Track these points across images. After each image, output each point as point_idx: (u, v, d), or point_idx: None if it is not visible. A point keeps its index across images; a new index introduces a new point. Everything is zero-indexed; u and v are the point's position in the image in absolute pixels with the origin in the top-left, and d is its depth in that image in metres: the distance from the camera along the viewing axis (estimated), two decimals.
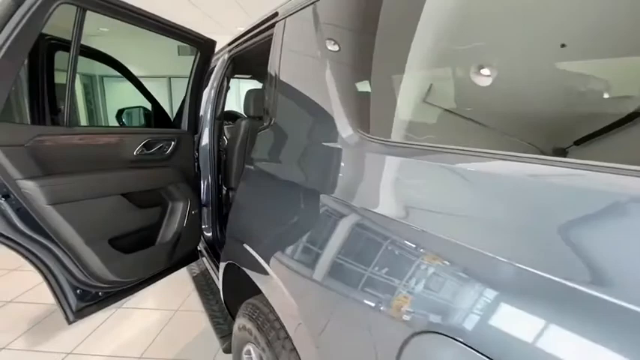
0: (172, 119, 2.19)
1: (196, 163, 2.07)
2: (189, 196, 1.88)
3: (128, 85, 2.02)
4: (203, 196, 2.15)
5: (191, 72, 1.91)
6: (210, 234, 2.19)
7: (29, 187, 1.18)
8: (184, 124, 1.93)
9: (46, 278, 1.40)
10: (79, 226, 1.34)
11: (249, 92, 2.02)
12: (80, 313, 1.52)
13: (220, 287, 1.45)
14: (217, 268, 1.99)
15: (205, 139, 2.08)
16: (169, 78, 7.82)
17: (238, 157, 2.21)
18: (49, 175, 1.25)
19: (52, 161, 1.26)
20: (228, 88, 2.10)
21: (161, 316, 2.18)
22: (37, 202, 1.21)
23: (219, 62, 2.14)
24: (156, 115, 2.28)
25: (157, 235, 1.77)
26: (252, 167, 1.27)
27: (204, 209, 2.16)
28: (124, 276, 1.57)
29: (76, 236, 1.34)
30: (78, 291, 1.49)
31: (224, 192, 2.29)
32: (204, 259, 2.27)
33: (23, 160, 1.16)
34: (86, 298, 1.54)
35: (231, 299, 1.52)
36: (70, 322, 1.48)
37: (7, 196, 1.16)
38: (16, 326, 2.08)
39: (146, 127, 1.97)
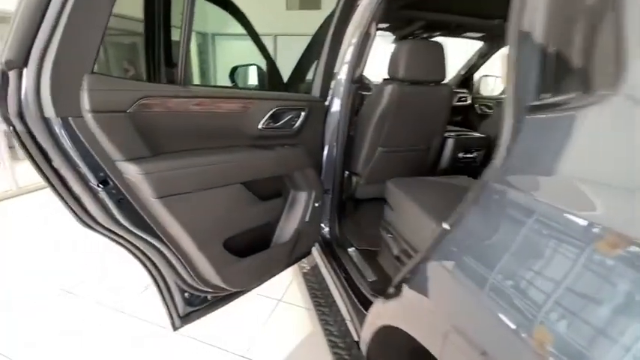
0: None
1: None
2: (315, 184, 1.45)
3: (238, 45, 1.62)
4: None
5: (331, 17, 1.39)
6: (327, 228, 1.77)
7: (133, 172, 0.84)
8: (316, 88, 1.46)
9: (153, 278, 1.13)
10: (191, 226, 1.00)
11: (405, 45, 1.44)
12: (187, 319, 1.25)
13: (364, 350, 0.98)
14: (335, 272, 1.58)
15: (335, 109, 1.59)
16: (275, 36, 7.51)
17: (374, 135, 1.68)
18: (158, 156, 0.90)
19: (161, 135, 0.91)
20: (373, 38, 1.53)
21: (263, 306, 1.90)
22: (143, 193, 0.88)
23: (363, 2, 1.57)
24: (271, 77, 1.88)
25: (274, 232, 1.40)
26: (518, 194, 0.56)
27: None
28: (236, 284, 1.24)
29: (187, 238, 1.01)
30: (186, 294, 1.22)
31: (345, 176, 1.81)
32: (314, 252, 1.87)
33: (124, 131, 0.82)
34: (194, 303, 1.26)
35: None
36: (175, 329, 1.22)
37: (105, 183, 0.85)
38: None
39: (272, 91, 1.56)
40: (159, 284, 1.15)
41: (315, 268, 1.99)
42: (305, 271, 2.01)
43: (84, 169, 0.81)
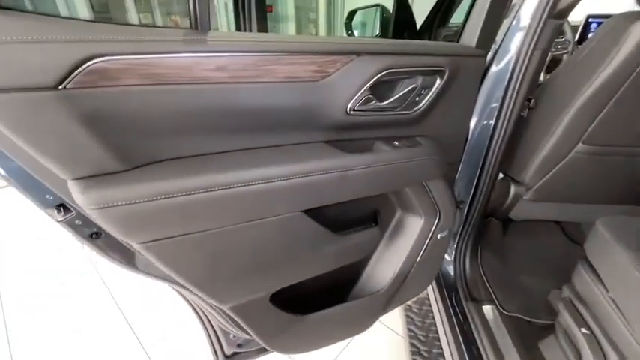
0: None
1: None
2: (444, 205, 0.86)
3: None
4: (457, 191, 1.06)
5: None
6: (451, 263, 1.16)
7: (82, 202, 0.45)
8: (469, 34, 0.80)
9: (194, 309, 0.82)
10: (210, 280, 0.59)
11: None
12: (234, 359, 0.93)
13: None
14: (456, 340, 1.00)
15: (500, 68, 0.88)
16: None
17: (575, 120, 0.94)
18: (138, 170, 0.49)
19: (145, 130, 0.49)
20: None
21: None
22: (116, 234, 0.49)
23: None
24: (397, 24, 1.27)
25: (359, 276, 0.90)
26: None
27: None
28: (293, 349, 0.83)
29: (206, 297, 0.61)
30: (232, 335, 0.88)
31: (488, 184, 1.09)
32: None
33: (56, 125, 0.41)
34: (241, 345, 0.92)
35: None
36: None
37: (63, 208, 0.49)
38: None
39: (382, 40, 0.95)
40: (200, 316, 0.84)
41: (422, 302, 1.42)
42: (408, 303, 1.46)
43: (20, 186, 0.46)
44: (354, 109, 0.64)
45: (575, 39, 1.82)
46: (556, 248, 1.31)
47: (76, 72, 0.40)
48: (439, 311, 1.09)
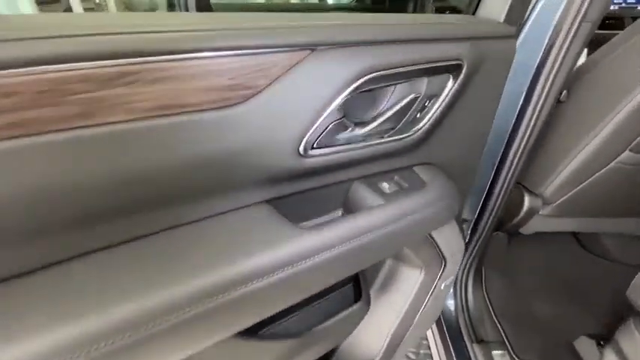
0: None
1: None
2: (452, 251, 0.61)
3: None
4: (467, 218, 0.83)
5: None
6: (451, 298, 0.94)
7: None
8: (491, 3, 0.51)
9: None
10: None
11: None
12: None
13: None
14: None
15: (530, 54, 0.61)
16: None
17: (627, 122, 0.68)
18: None
19: None
20: None
21: None
22: None
23: None
24: None
25: (338, 347, 0.67)
26: None
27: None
28: None
29: None
30: None
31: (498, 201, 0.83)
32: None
33: None
34: None
35: None
36: None
37: None
38: None
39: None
40: None
41: (419, 345, 1.21)
42: None
43: None
44: (313, 147, 0.37)
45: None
46: (572, 263, 1.12)
47: None
48: (439, 358, 0.89)
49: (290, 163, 0.36)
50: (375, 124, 0.41)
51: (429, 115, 0.45)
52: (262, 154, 0.34)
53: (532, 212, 0.91)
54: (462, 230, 0.68)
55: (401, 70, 0.38)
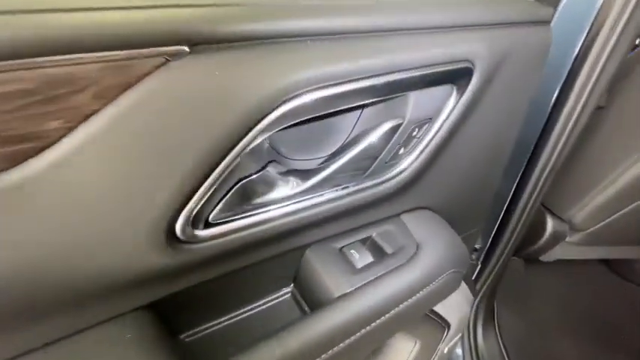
0: None
1: None
2: (456, 314, 0.46)
3: None
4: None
5: None
6: (465, 348, 0.79)
7: None
8: None
9: None
10: None
11: None
12: None
13: None
14: None
15: (567, 46, 0.44)
16: None
17: None
18: None
19: None
20: None
21: None
22: None
23: None
24: None
25: None
26: None
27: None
28: None
29: None
30: None
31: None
32: None
33: None
34: None
35: None
36: None
37: None
38: None
39: None
40: None
41: None
42: None
43: None
44: (207, 222, 0.21)
45: None
46: (599, 291, 0.95)
47: None
48: None
49: (156, 262, 0.21)
50: (330, 169, 0.26)
51: (420, 149, 0.29)
52: (85, 254, 0.19)
53: (557, 239, 0.74)
54: (470, 285, 0.52)
55: (361, 84, 0.22)
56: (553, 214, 0.74)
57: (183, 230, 0.20)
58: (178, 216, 0.20)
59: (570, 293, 0.94)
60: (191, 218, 0.20)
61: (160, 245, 0.20)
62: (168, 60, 0.16)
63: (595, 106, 0.50)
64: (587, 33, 0.43)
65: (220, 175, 0.20)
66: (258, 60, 0.19)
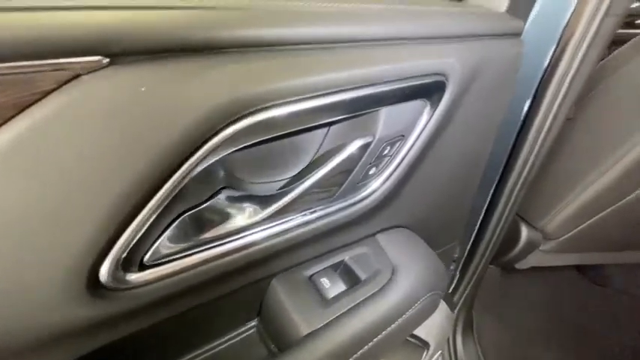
0: None
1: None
2: (436, 333, 0.43)
3: None
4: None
5: None
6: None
7: None
8: None
9: None
10: None
11: None
12: None
13: None
14: None
15: (538, 57, 0.43)
16: None
17: None
18: None
19: None
20: None
21: None
22: None
23: None
24: None
25: None
26: None
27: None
28: None
29: None
30: None
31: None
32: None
33: None
34: None
35: None
36: None
37: None
38: None
39: None
40: None
41: None
42: None
43: None
44: (142, 264, 0.18)
45: None
46: (574, 296, 0.97)
47: None
48: None
49: (77, 314, 0.17)
50: (294, 193, 0.23)
51: (392, 167, 0.27)
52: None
53: (530, 248, 0.75)
54: (448, 298, 0.51)
55: (328, 100, 0.20)
56: (527, 223, 0.74)
57: (111, 275, 0.17)
58: (104, 258, 0.16)
59: (545, 299, 0.95)
60: (121, 260, 0.17)
61: (80, 295, 0.16)
62: (80, 74, 0.13)
63: (565, 118, 0.50)
64: (557, 45, 0.43)
65: (158, 207, 0.17)
66: (203, 72, 0.16)
